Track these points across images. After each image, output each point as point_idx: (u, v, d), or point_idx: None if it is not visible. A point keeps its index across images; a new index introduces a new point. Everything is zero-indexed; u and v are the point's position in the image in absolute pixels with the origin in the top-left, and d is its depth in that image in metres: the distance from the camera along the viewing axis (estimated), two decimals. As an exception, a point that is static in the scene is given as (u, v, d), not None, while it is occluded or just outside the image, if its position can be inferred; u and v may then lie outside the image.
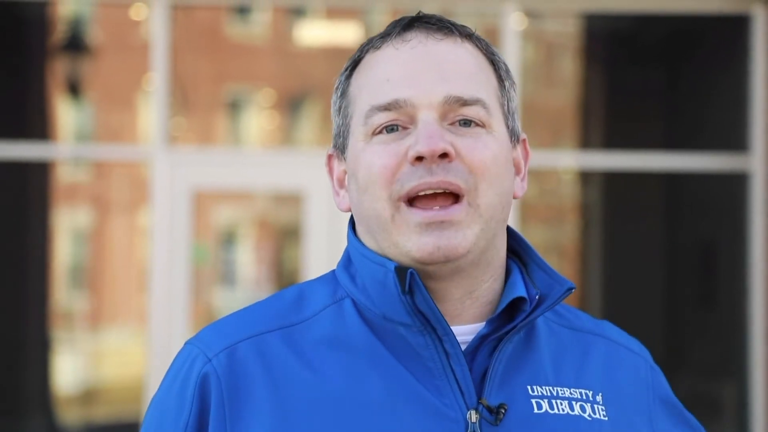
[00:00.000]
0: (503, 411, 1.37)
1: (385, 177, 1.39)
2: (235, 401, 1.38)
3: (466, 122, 1.40)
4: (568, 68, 9.00)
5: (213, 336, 1.44)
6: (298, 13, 8.54)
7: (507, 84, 1.47)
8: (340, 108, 1.48)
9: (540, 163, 7.19)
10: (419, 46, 1.42)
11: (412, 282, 1.36)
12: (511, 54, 6.31)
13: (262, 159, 7.17)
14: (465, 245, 1.37)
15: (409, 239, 1.37)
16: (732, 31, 6.49)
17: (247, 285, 12.29)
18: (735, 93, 6.52)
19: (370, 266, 1.42)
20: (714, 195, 7.15)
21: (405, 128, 1.40)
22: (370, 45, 1.47)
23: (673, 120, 8.09)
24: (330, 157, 1.51)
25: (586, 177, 8.77)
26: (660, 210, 8.32)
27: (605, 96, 8.70)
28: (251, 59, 10.03)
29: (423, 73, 1.41)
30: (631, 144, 7.41)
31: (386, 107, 1.40)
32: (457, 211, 1.37)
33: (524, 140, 1.51)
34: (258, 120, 10.31)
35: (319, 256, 6.24)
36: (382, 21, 7.50)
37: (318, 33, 8.34)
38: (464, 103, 1.40)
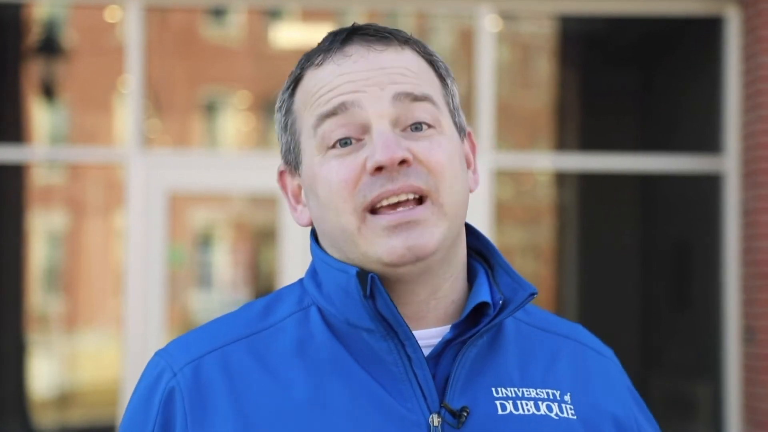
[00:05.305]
0: (465, 414, 1.38)
1: (346, 191, 1.39)
2: (199, 416, 1.40)
3: (418, 126, 1.41)
4: (544, 70, 9.03)
5: (180, 349, 1.46)
6: (274, 14, 8.53)
7: (449, 82, 1.49)
8: (286, 125, 1.48)
9: (516, 164, 7.21)
10: (361, 60, 1.43)
11: (374, 286, 1.38)
12: (487, 56, 6.32)
13: (238, 161, 7.16)
14: (433, 243, 1.38)
15: (378, 245, 1.38)
16: (706, 32, 6.52)
17: (224, 287, 12.27)
18: (709, 95, 6.55)
19: (333, 273, 1.43)
20: (689, 196, 7.18)
21: (359, 140, 1.40)
22: (309, 62, 1.47)
23: (648, 121, 8.13)
24: (282, 173, 1.52)
25: (561, 178, 8.80)
26: (635, 211, 8.36)
27: (580, 98, 8.73)
28: (227, 61, 10.02)
29: (369, 77, 1.41)
30: (606, 145, 7.44)
31: (333, 112, 1.40)
32: (422, 211, 1.38)
33: (469, 133, 1.52)
34: (234, 122, 10.29)
35: (296, 258, 6.24)
36: (358, 22, 7.49)
37: (293, 35, 8.34)
38: (414, 98, 1.41)
